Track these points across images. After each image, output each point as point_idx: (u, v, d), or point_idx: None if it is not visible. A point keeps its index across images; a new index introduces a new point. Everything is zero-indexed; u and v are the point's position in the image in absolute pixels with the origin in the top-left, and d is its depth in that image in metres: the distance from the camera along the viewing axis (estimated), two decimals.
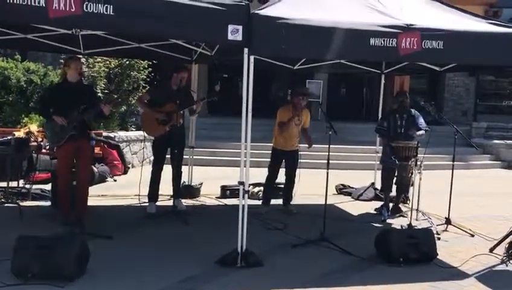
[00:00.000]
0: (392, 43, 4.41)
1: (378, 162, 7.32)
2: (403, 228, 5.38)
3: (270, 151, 6.48)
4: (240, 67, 4.25)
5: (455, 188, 6.11)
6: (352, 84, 18.55)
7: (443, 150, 10.41)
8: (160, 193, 6.33)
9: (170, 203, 6.42)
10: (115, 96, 8.85)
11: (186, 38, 5.06)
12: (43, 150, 7.29)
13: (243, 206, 4.30)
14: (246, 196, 4.37)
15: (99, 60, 10.06)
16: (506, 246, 4.94)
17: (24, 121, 8.97)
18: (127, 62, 10.42)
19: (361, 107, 18.07)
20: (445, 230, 5.83)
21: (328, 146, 5.21)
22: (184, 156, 6.44)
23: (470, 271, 4.49)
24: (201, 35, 4.23)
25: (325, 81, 16.26)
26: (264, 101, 13.57)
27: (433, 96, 17.01)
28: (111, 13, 3.70)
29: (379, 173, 7.08)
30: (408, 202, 6.70)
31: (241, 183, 4.32)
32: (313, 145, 6.37)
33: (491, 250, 5.04)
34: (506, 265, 4.70)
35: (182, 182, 6.69)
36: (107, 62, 10.24)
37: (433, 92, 17.41)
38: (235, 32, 4.02)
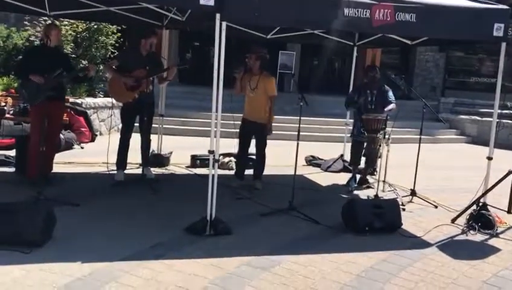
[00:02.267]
0: (365, 14, 4.41)
1: (348, 135, 7.39)
2: (369, 198, 5.49)
3: None
4: (212, 36, 4.16)
5: (422, 161, 6.25)
6: (324, 57, 18.55)
7: (412, 124, 10.59)
8: (128, 161, 6.26)
9: (139, 171, 6.34)
10: (87, 63, 8.64)
11: (157, 2, 4.92)
12: (7, 115, 7.06)
13: (213, 175, 4.29)
14: (216, 165, 4.36)
15: (66, 23, 9.70)
16: (467, 217, 5.14)
17: None
18: (95, 26, 10.09)
19: (333, 79, 18.14)
20: (411, 201, 5.99)
21: (299, 117, 5.23)
22: (153, 125, 6.34)
23: (432, 240, 4.64)
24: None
25: (298, 53, 16.22)
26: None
27: (404, 70, 17.21)
28: None
29: (348, 145, 7.17)
30: (376, 173, 6.83)
31: (211, 152, 4.30)
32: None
33: (453, 221, 5.22)
34: (467, 235, 4.89)
35: (151, 150, 6.62)
36: (74, 26, 9.89)
37: (404, 67, 17.61)
38: None
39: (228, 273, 3.62)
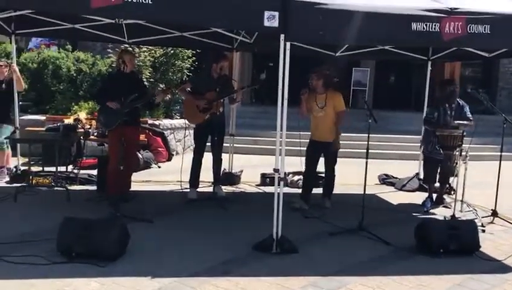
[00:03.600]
0: (435, 28, 4.27)
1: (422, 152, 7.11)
2: (445, 219, 5.23)
3: None
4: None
5: (506, 180, 5.86)
6: (401, 72, 18.07)
7: (494, 140, 9.98)
8: (201, 179, 6.45)
9: (211, 189, 6.52)
10: (164, 86, 9.07)
11: (223, 26, 5.10)
12: (91, 137, 7.57)
13: (278, 193, 4.31)
14: (282, 183, 4.39)
15: (145, 49, 10.29)
16: None
17: (74, 108, 9.33)
18: (172, 51, 10.60)
19: (410, 95, 17.58)
20: (491, 222, 5.62)
21: (367, 135, 5.14)
22: (224, 144, 6.51)
23: None
24: (238, 22, 4.25)
25: (372, 69, 15.95)
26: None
27: (487, 84, 16.30)
28: (149, 2, 3.78)
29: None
30: (453, 193, 6.49)
31: (276, 170, 4.33)
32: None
33: None
34: None
35: (222, 169, 6.78)
36: (152, 51, 10.46)
37: (487, 80, 16.68)
38: (271, 19, 4.01)
39: None
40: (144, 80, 9.93)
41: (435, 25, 4.25)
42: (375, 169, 7.82)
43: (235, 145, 7.74)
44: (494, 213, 5.73)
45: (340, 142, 5.99)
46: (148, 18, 4.81)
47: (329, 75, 5.90)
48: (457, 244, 4.44)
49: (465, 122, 6.06)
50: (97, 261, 3.85)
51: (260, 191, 7.06)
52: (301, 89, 5.84)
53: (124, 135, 5.44)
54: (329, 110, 5.85)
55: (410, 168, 7.97)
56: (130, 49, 6.86)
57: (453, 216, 5.38)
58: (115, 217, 4.79)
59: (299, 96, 5.80)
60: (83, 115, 8.19)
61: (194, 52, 10.91)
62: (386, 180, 7.93)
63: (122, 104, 5.55)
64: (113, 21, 5.71)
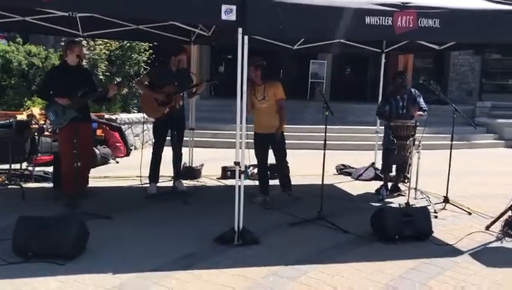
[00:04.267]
0: (387, 22, 4.39)
1: (379, 143, 7.33)
2: (400, 206, 5.43)
3: None
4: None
5: (457, 167, 6.12)
6: (357, 65, 18.46)
7: (447, 130, 10.26)
8: (161, 174, 6.41)
9: (171, 184, 6.49)
10: (119, 80, 8.91)
11: (180, 20, 5.06)
12: (46, 133, 7.36)
13: (239, 186, 4.35)
14: (242, 176, 4.43)
15: (100, 42, 10.07)
16: (502, 223, 4.99)
17: (27, 104, 9.04)
18: (128, 44, 10.41)
19: (365, 87, 18.00)
20: (443, 208, 5.87)
21: (325, 126, 5.26)
22: (184, 138, 6.49)
23: (464, 248, 4.54)
24: (195, 16, 4.24)
25: (329, 62, 16.21)
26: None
27: (439, 75, 16.90)
28: None
29: (379, 153, 7.10)
30: (407, 181, 6.72)
31: (237, 163, 4.37)
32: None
33: (487, 228, 5.08)
34: (501, 242, 4.75)
35: (182, 163, 6.76)
36: (108, 44, 10.24)
37: (438, 72, 17.29)
38: (228, 12, 4.02)
39: (255, 283, 3.66)
40: (100, 73, 9.75)
41: (387, 19, 4.38)
42: (332, 160, 8.01)
43: (195, 139, 7.71)
44: (446, 200, 5.99)
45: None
46: (102, 12, 4.70)
47: (266, 65, 5.77)
48: (411, 231, 4.62)
49: (420, 112, 6.26)
50: (56, 260, 3.78)
51: (221, 184, 7.08)
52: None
53: (77, 132, 5.18)
54: (271, 101, 5.74)
55: (366, 158, 8.20)
56: (79, 40, 6.61)
57: (407, 204, 5.59)
58: (72, 214, 4.70)
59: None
60: (36, 111, 7.92)
61: (151, 45, 10.75)
62: (343, 170, 8.12)
63: (72, 99, 5.30)
64: (67, 14, 5.55)
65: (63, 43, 10.32)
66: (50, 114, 5.44)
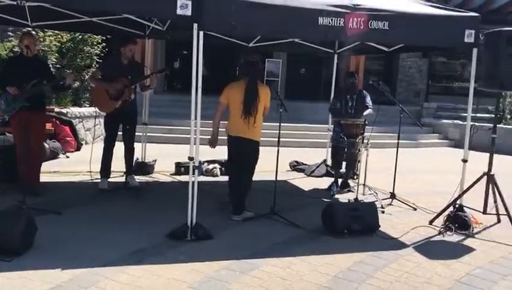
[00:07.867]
0: (339, 23, 4.54)
1: (329, 140, 7.52)
2: (349, 201, 5.60)
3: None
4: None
5: (403, 165, 6.38)
6: (311, 64, 18.75)
7: (394, 129, 10.71)
8: (113, 169, 6.32)
9: (123, 179, 6.41)
10: (69, 72, 8.67)
11: (135, 13, 5.00)
12: None
13: (193, 181, 4.37)
14: (196, 171, 4.45)
15: (51, 33, 9.75)
16: (444, 218, 5.26)
17: None
18: (80, 36, 10.14)
19: (319, 86, 18.33)
20: (390, 204, 6.12)
21: (279, 124, 5.35)
22: (137, 133, 6.41)
23: (409, 242, 4.75)
24: (150, 9, 4.21)
25: (284, 61, 16.40)
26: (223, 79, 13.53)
27: (388, 77, 17.46)
28: None
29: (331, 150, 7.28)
30: (356, 177, 6.95)
31: (191, 159, 4.38)
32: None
33: (431, 222, 5.34)
34: (443, 236, 5.00)
35: (135, 158, 6.68)
36: (59, 36, 9.93)
37: (388, 73, 17.86)
38: (184, 7, 4.03)
39: (207, 277, 3.69)
40: (50, 65, 9.43)
41: (339, 20, 4.52)
42: (287, 156, 8.14)
43: (148, 134, 7.63)
44: (393, 195, 6.24)
45: None
46: (52, 2, 4.57)
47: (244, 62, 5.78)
48: (359, 225, 4.80)
49: (366, 112, 6.50)
50: (1, 256, 3.67)
51: (175, 180, 7.05)
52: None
53: (26, 121, 5.26)
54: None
55: (319, 155, 8.39)
56: (34, 32, 6.45)
57: (356, 199, 5.77)
58: (19, 208, 4.56)
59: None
60: None
61: (104, 38, 10.52)
62: (296, 166, 8.28)
63: (22, 89, 5.33)
64: (15, 2, 5.35)
65: (10, 33, 9.96)
66: (2, 102, 5.48)
